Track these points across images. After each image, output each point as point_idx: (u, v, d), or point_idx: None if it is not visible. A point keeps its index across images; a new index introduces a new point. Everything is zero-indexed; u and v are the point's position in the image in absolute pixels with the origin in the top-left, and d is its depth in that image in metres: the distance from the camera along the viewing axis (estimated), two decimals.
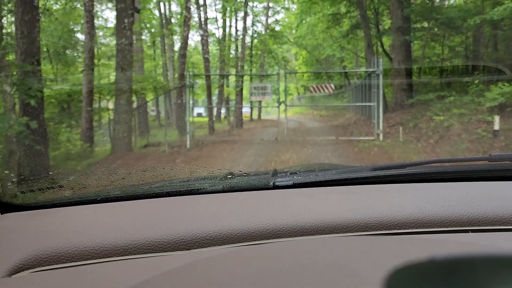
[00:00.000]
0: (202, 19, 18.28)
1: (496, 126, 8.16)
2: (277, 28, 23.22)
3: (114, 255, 0.77)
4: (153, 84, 14.74)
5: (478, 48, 13.57)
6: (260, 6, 22.19)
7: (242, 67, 19.78)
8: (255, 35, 21.34)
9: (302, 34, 22.24)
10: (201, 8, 18.21)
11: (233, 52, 21.13)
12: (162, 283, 0.53)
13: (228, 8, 19.74)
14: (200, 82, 17.51)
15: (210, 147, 10.48)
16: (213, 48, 24.24)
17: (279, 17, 34.50)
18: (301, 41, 23.34)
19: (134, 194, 1.15)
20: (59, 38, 13.44)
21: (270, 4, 22.57)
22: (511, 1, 10.04)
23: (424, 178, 1.19)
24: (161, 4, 21.49)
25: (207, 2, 28.53)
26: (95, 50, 16.62)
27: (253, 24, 21.36)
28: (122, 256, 0.77)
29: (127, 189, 1.27)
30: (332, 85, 13.39)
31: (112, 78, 13.35)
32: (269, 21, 22.66)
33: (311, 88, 13.01)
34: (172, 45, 21.80)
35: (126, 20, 9.19)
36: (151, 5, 21.41)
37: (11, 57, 8.71)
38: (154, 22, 22.16)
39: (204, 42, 18.12)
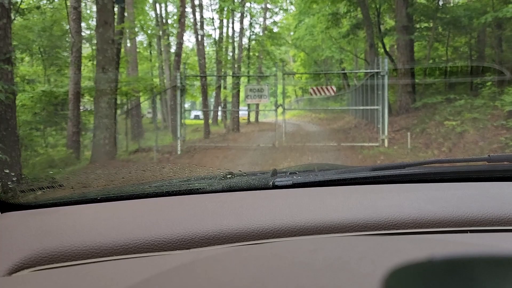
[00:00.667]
0: (198, 19, 17.78)
1: None
2: (275, 29, 22.81)
3: (114, 254, 0.77)
4: (144, 85, 14.06)
5: (483, 49, 13.03)
6: (257, 7, 21.84)
7: (239, 68, 19.32)
8: (253, 36, 20.91)
9: (301, 35, 21.79)
10: (197, 8, 17.77)
11: (230, 53, 20.72)
12: (162, 282, 0.53)
13: (225, 8, 19.23)
14: (197, 84, 16.98)
15: (202, 154, 9.76)
16: (210, 49, 23.86)
17: (277, 18, 34.20)
18: (299, 43, 22.87)
19: (134, 194, 1.15)
20: (40, 36, 12.78)
21: (268, 6, 22.23)
22: None
23: (424, 178, 1.19)
24: (157, 5, 21.04)
25: (203, 3, 28.16)
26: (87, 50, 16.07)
27: (250, 25, 20.98)
28: (122, 255, 0.77)
29: (127, 189, 1.27)
30: (334, 87, 12.69)
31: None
32: (267, 22, 22.32)
33: (311, 90, 12.29)
34: (168, 46, 21.38)
35: (108, 14, 8.48)
36: (147, 6, 20.98)
37: None
38: (149, 23, 21.70)
39: (200, 42, 17.59)
